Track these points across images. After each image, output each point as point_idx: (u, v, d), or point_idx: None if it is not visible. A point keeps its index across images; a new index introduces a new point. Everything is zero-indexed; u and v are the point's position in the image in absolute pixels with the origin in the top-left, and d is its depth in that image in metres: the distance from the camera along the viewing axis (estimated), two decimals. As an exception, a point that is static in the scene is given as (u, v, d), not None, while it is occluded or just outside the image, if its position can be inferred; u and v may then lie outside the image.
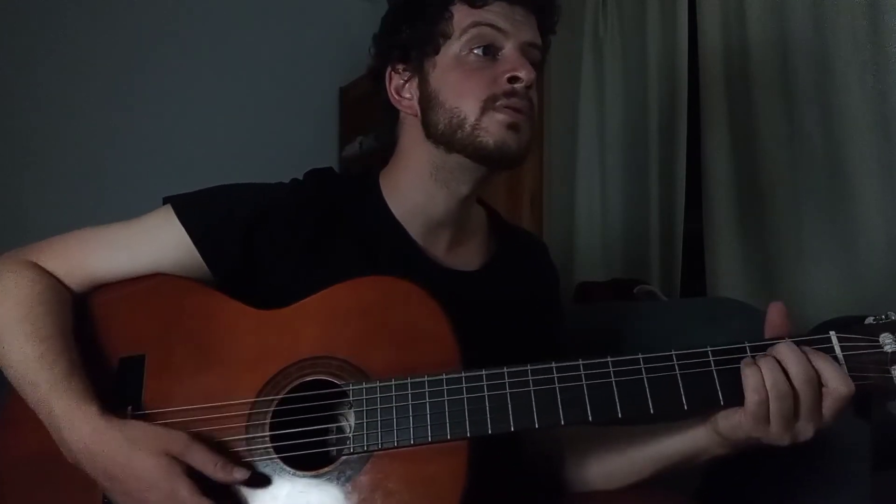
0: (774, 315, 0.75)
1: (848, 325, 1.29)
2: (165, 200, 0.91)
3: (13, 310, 0.82)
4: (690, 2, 1.91)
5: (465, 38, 0.88)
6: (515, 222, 1.10)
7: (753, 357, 0.71)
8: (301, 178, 0.96)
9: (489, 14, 0.87)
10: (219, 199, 0.91)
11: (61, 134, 2.12)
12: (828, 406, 0.69)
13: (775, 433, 0.70)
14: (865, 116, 1.51)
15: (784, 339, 0.72)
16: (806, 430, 0.70)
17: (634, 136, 2.07)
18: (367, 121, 2.59)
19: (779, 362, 0.69)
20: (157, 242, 0.88)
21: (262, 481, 0.75)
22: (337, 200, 0.93)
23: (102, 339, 0.84)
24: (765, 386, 0.69)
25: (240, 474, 0.74)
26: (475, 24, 0.87)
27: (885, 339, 0.70)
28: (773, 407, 0.69)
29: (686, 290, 1.93)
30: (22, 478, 0.81)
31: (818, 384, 0.69)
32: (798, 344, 0.71)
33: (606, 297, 1.82)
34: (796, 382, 0.68)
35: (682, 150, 1.92)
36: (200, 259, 0.87)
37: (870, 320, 0.72)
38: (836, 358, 0.70)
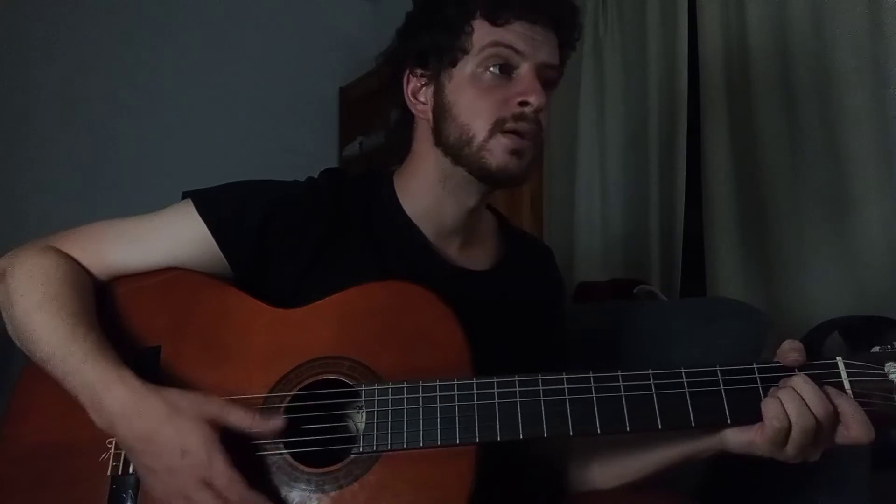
0: (787, 346, 0.76)
1: (848, 325, 1.30)
2: (185, 195, 0.92)
3: (41, 289, 0.82)
4: (690, 2, 1.91)
5: (482, 55, 0.88)
6: (515, 222, 1.11)
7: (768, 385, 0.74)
8: (316, 176, 0.97)
9: (509, 34, 0.88)
10: (237, 194, 0.92)
11: (62, 135, 2.13)
12: (842, 439, 0.72)
13: (789, 456, 0.73)
14: (865, 116, 1.51)
15: (794, 367, 0.74)
16: (815, 454, 0.73)
17: (634, 137, 2.07)
18: (367, 121, 2.60)
19: (798, 394, 0.71)
20: (175, 236, 0.89)
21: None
22: (352, 199, 0.94)
23: (119, 330, 0.84)
24: (786, 415, 0.71)
25: (277, 421, 0.75)
26: (494, 44, 0.88)
27: (891, 367, 0.72)
28: (796, 437, 0.71)
29: (686, 290, 1.93)
30: (30, 469, 0.81)
31: (836, 419, 0.71)
32: (808, 371, 0.73)
33: (606, 297, 1.82)
34: (818, 416, 0.71)
35: (682, 151, 1.92)
36: (218, 253, 0.88)
37: (876, 349, 0.74)
38: (841, 384, 0.73)
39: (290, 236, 0.90)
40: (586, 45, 2.18)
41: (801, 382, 0.72)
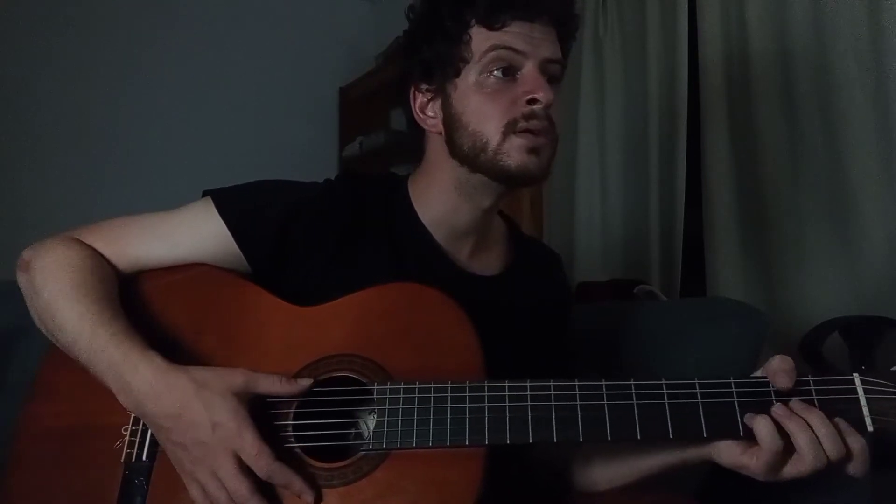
0: (776, 366, 0.75)
1: (848, 325, 1.30)
2: (205, 193, 0.93)
3: (67, 277, 0.84)
4: (690, 2, 1.91)
5: (484, 61, 0.88)
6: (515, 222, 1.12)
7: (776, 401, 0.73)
8: (311, 181, 0.97)
9: (507, 36, 0.88)
10: (256, 193, 0.94)
11: (63, 135, 2.13)
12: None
13: (785, 477, 0.73)
14: (865, 116, 1.51)
15: (808, 378, 0.74)
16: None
17: (634, 136, 2.07)
18: (367, 121, 2.60)
19: (809, 425, 0.71)
20: (196, 233, 0.90)
21: None
22: (368, 202, 0.95)
23: (140, 323, 0.85)
24: (780, 439, 0.70)
25: (305, 382, 0.78)
26: (494, 48, 0.88)
27: None
28: (805, 470, 0.71)
29: (686, 290, 1.93)
30: (45, 450, 0.83)
31: (849, 458, 0.71)
32: (823, 385, 0.73)
33: (606, 297, 1.82)
34: (832, 458, 0.70)
35: (682, 151, 1.92)
36: (237, 251, 0.90)
37: (894, 369, 0.74)
38: (857, 400, 0.72)
39: (309, 237, 0.91)
40: (586, 45, 2.18)
41: (820, 425, 0.70)
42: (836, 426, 0.71)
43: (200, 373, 0.77)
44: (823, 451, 0.70)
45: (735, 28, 1.79)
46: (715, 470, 0.84)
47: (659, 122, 1.99)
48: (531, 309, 0.98)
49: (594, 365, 1.10)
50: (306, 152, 2.52)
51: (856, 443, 0.71)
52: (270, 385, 0.77)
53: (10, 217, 1.96)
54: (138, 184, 2.17)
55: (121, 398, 0.78)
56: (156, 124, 2.28)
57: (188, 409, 0.74)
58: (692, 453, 0.80)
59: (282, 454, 0.75)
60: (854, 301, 1.51)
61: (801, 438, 0.70)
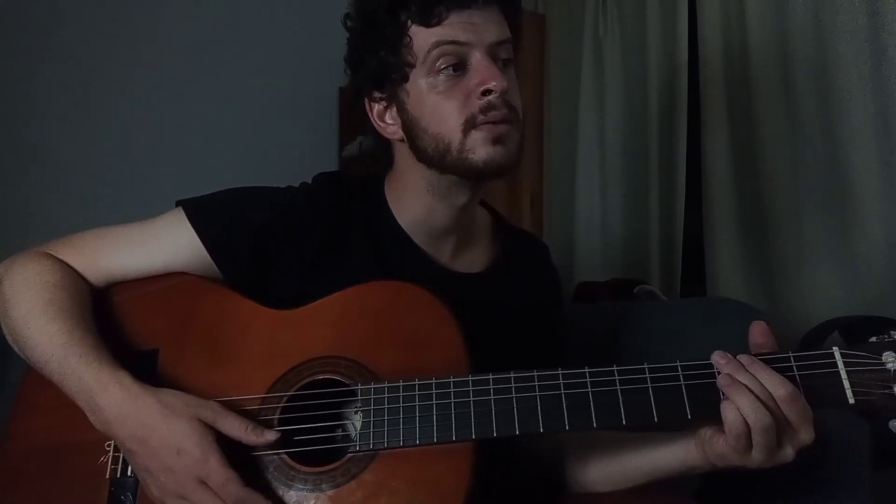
0: (756, 335, 0.75)
1: (848, 325, 1.30)
2: (178, 203, 0.92)
3: (37, 295, 0.83)
4: (690, 2, 1.91)
5: (429, 61, 0.84)
6: (515, 222, 1.11)
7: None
8: (310, 181, 0.96)
9: (447, 30, 0.83)
10: (230, 203, 0.92)
11: (61, 136, 2.12)
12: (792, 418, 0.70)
13: (758, 461, 0.71)
14: (865, 116, 1.51)
15: (788, 354, 0.72)
16: (787, 454, 0.71)
17: (634, 137, 2.08)
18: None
19: (752, 391, 0.70)
20: (170, 244, 0.89)
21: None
22: (347, 206, 0.93)
23: (119, 334, 0.85)
24: (743, 419, 0.69)
25: (271, 436, 0.76)
26: (436, 45, 0.83)
27: (889, 357, 0.70)
28: (759, 439, 0.69)
29: (686, 290, 1.93)
30: (33, 466, 0.82)
31: (791, 403, 0.69)
32: (803, 361, 0.72)
33: (606, 297, 1.82)
34: (772, 407, 0.69)
35: (682, 151, 1.93)
36: (211, 261, 0.89)
37: (873, 339, 0.73)
38: (838, 374, 0.71)
39: (290, 245, 0.89)
40: (586, 45, 2.18)
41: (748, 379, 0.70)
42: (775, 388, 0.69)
43: (169, 397, 0.76)
44: (763, 403, 0.68)
45: (735, 28, 1.79)
46: (714, 471, 0.84)
47: (659, 123, 1.99)
48: (519, 304, 0.96)
49: (593, 365, 1.11)
50: (306, 152, 2.51)
51: (764, 374, 0.69)
52: (236, 430, 0.75)
53: (10, 218, 1.96)
54: (138, 184, 2.17)
55: (91, 418, 0.77)
56: (156, 124, 2.28)
57: (153, 435, 0.74)
58: (691, 452, 0.79)
59: (266, 461, 0.75)
60: (854, 301, 1.51)
61: (747, 406, 0.69)
